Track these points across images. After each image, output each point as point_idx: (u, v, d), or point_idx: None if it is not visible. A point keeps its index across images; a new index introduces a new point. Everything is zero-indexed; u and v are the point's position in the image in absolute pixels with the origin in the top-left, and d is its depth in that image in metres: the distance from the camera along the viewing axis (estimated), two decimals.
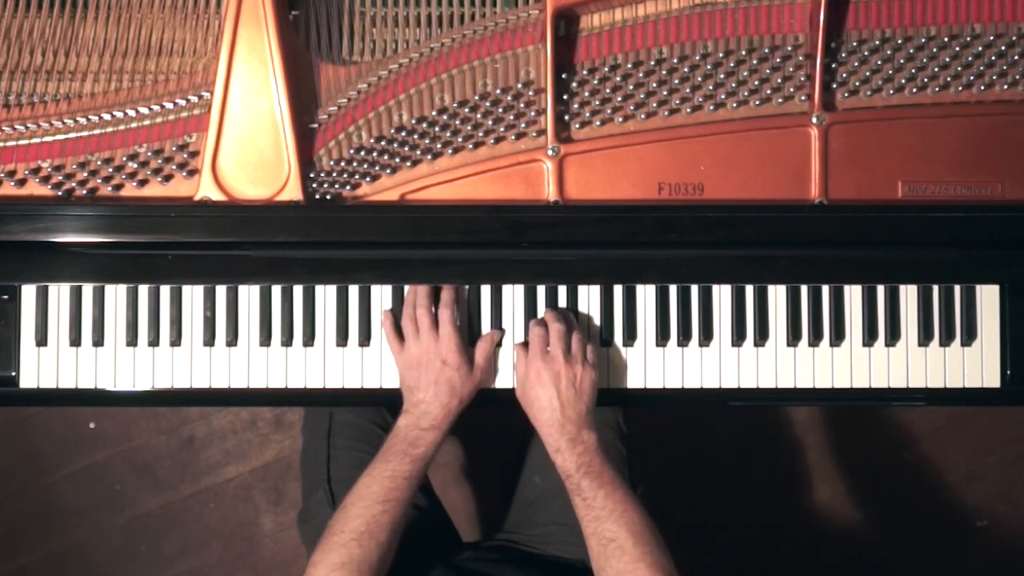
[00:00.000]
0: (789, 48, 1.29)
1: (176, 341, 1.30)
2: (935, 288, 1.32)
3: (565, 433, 1.20)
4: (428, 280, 1.30)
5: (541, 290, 1.31)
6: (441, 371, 1.22)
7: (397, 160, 1.28)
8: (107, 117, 1.26)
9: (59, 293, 1.30)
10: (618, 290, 1.31)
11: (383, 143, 1.28)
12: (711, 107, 1.29)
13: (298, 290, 1.31)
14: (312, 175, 1.27)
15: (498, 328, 1.30)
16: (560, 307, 1.31)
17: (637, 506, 1.18)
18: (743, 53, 1.29)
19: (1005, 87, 1.30)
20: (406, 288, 1.30)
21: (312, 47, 1.30)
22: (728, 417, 2.16)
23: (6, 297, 1.29)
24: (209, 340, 1.30)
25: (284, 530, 2.13)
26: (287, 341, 1.30)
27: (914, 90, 1.30)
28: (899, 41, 1.29)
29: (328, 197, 1.27)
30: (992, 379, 1.32)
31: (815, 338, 1.32)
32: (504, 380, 1.31)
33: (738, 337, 1.31)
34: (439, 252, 1.29)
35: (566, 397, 1.21)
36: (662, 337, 1.31)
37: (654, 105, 1.29)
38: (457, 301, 1.28)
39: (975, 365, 1.32)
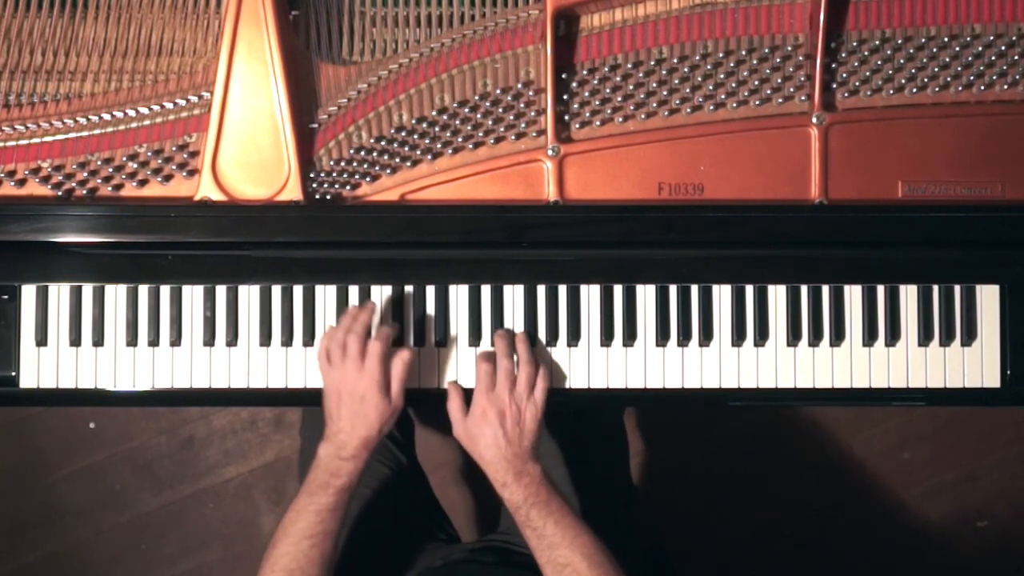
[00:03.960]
0: (789, 48, 1.29)
1: (176, 341, 1.30)
2: (935, 288, 1.32)
3: (511, 468, 1.20)
4: (429, 280, 1.30)
5: (541, 290, 1.31)
6: (360, 406, 1.20)
7: (397, 160, 1.28)
8: (107, 117, 1.26)
9: (59, 293, 1.30)
10: (618, 290, 1.31)
11: (383, 143, 1.28)
12: (711, 107, 1.29)
13: (298, 290, 1.31)
14: (312, 175, 1.27)
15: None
16: (511, 329, 1.30)
17: (588, 531, 1.18)
18: (743, 53, 1.29)
19: (1005, 87, 1.30)
20: (407, 289, 1.30)
21: (312, 47, 1.30)
22: (728, 417, 2.16)
23: (6, 297, 1.29)
24: (209, 340, 1.30)
25: None
26: (287, 341, 1.30)
27: (914, 90, 1.30)
28: (899, 41, 1.29)
29: (328, 197, 1.27)
30: (992, 379, 1.32)
31: (815, 338, 1.32)
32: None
33: (738, 337, 1.31)
34: (439, 252, 1.29)
35: (512, 435, 1.20)
36: (662, 337, 1.31)
37: (654, 105, 1.29)
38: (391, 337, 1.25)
39: (975, 365, 1.32)
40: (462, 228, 1.26)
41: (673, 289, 1.31)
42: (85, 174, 1.26)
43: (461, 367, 1.31)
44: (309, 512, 1.19)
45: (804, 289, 1.32)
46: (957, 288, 1.32)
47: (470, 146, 1.28)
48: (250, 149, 1.26)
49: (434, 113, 1.28)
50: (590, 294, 1.31)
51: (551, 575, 1.17)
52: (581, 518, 1.20)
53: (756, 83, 1.28)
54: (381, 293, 1.31)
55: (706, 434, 2.17)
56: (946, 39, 1.29)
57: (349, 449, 1.20)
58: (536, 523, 1.19)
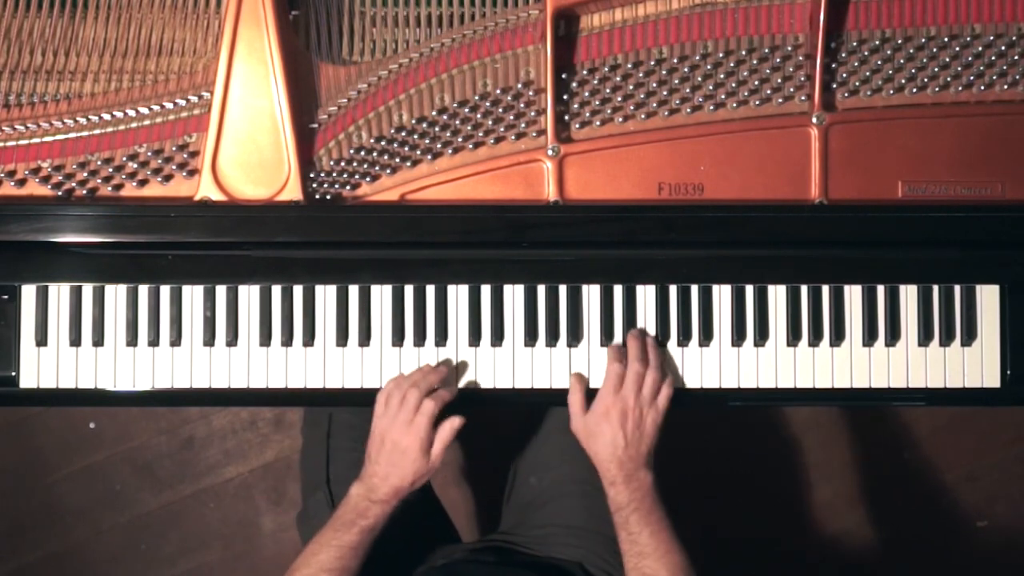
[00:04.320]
0: (789, 48, 1.29)
1: (176, 341, 1.30)
2: (935, 288, 1.32)
3: (623, 470, 1.21)
4: (429, 280, 1.30)
5: (541, 290, 1.31)
6: (400, 458, 1.22)
7: (397, 160, 1.28)
8: (107, 117, 1.26)
9: (59, 293, 1.30)
10: (618, 290, 1.31)
11: (383, 143, 1.28)
12: (711, 107, 1.29)
13: (298, 290, 1.31)
14: (312, 175, 1.27)
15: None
16: (644, 329, 1.30)
17: (681, 550, 1.20)
18: (743, 53, 1.29)
19: (1005, 87, 1.30)
20: (407, 289, 1.30)
21: (312, 47, 1.30)
22: (728, 417, 2.16)
23: (6, 297, 1.29)
24: (209, 340, 1.30)
25: (284, 530, 2.13)
26: (287, 341, 1.30)
27: (914, 90, 1.30)
28: (899, 41, 1.29)
29: (328, 197, 1.27)
30: (992, 379, 1.32)
31: (815, 338, 1.32)
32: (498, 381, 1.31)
33: (738, 337, 1.31)
34: (439, 252, 1.29)
35: (631, 437, 1.22)
36: (662, 337, 1.31)
37: (654, 105, 1.29)
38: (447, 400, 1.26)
39: (975, 365, 1.32)
40: (462, 228, 1.26)
41: (673, 289, 1.31)
42: (85, 174, 1.26)
43: (461, 367, 1.31)
44: (331, 547, 1.21)
45: (804, 289, 1.32)
46: (957, 288, 1.32)
47: (470, 146, 1.28)
48: (250, 149, 1.26)
49: (434, 113, 1.28)
50: (590, 294, 1.31)
51: None
52: (677, 537, 1.22)
53: (756, 83, 1.28)
54: (381, 293, 1.31)
55: (706, 434, 2.17)
56: (946, 39, 1.29)
57: (379, 493, 1.22)
58: (633, 528, 1.20)
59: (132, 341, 1.30)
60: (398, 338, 1.30)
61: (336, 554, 1.21)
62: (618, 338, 1.31)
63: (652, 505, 1.21)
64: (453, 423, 1.24)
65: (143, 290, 1.30)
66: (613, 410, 1.22)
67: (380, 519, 1.23)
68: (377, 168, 1.28)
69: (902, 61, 1.29)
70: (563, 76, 1.28)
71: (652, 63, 1.29)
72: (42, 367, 1.30)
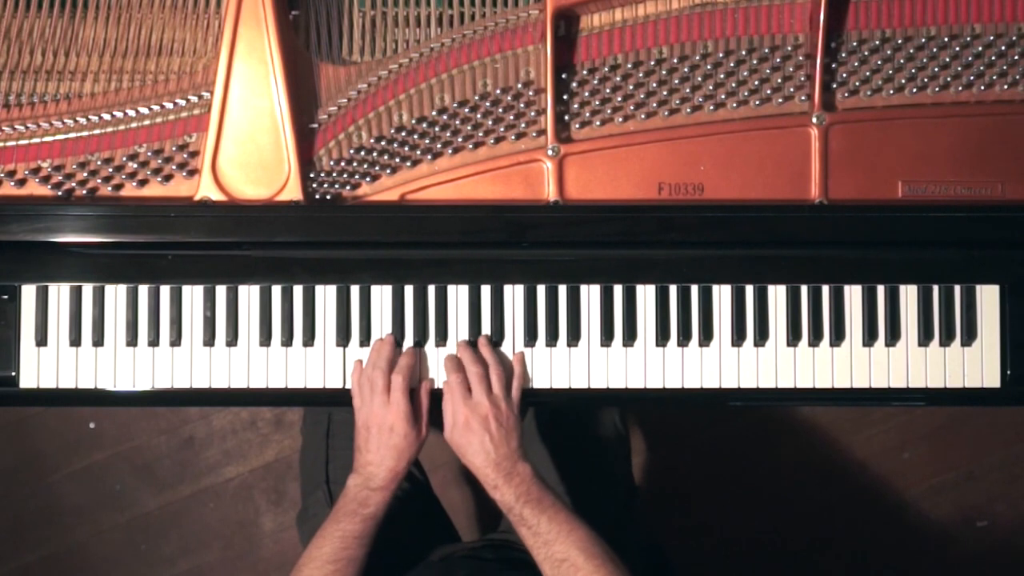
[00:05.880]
0: (789, 48, 1.29)
1: (176, 341, 1.30)
2: (935, 288, 1.32)
3: (501, 471, 1.21)
4: (429, 280, 1.30)
5: (541, 290, 1.31)
6: (389, 437, 1.22)
7: (397, 160, 1.28)
8: (107, 117, 1.26)
9: (59, 293, 1.30)
10: (618, 290, 1.31)
11: (383, 143, 1.28)
12: (711, 107, 1.29)
13: (298, 290, 1.31)
14: (312, 175, 1.27)
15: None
16: (477, 337, 1.30)
17: (582, 524, 1.19)
18: (743, 53, 1.29)
19: (1005, 87, 1.30)
20: (407, 289, 1.30)
21: (312, 47, 1.30)
22: (728, 417, 2.16)
23: (6, 297, 1.29)
24: (209, 340, 1.30)
25: (284, 530, 2.13)
26: (287, 341, 1.30)
27: (914, 90, 1.30)
28: (899, 41, 1.29)
29: (328, 197, 1.28)
30: (992, 379, 1.32)
31: (815, 338, 1.32)
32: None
33: (738, 337, 1.31)
34: (439, 252, 1.29)
35: (497, 438, 1.22)
36: (662, 337, 1.31)
37: (654, 105, 1.29)
38: (413, 365, 1.27)
39: (975, 365, 1.32)
40: (462, 228, 1.26)
41: (673, 289, 1.31)
42: (85, 174, 1.26)
43: None
44: (335, 538, 1.21)
45: (804, 289, 1.32)
46: (957, 288, 1.32)
47: (470, 146, 1.28)
48: (250, 149, 1.26)
49: (434, 113, 1.28)
50: (590, 294, 1.31)
51: (549, 571, 1.17)
52: (574, 512, 1.21)
53: (756, 83, 1.28)
54: (381, 293, 1.31)
55: (706, 434, 2.17)
56: (946, 39, 1.29)
57: (377, 480, 1.23)
58: (530, 521, 1.19)
59: (132, 341, 1.30)
60: (398, 338, 1.30)
61: (340, 544, 1.21)
62: (618, 338, 1.31)
63: (540, 493, 1.21)
64: (423, 388, 1.26)
65: (143, 290, 1.30)
66: (472, 418, 1.22)
67: (381, 506, 1.23)
68: (377, 168, 1.28)
69: (902, 61, 1.30)
70: (563, 76, 1.28)
71: (652, 63, 1.29)
72: (42, 367, 1.30)
